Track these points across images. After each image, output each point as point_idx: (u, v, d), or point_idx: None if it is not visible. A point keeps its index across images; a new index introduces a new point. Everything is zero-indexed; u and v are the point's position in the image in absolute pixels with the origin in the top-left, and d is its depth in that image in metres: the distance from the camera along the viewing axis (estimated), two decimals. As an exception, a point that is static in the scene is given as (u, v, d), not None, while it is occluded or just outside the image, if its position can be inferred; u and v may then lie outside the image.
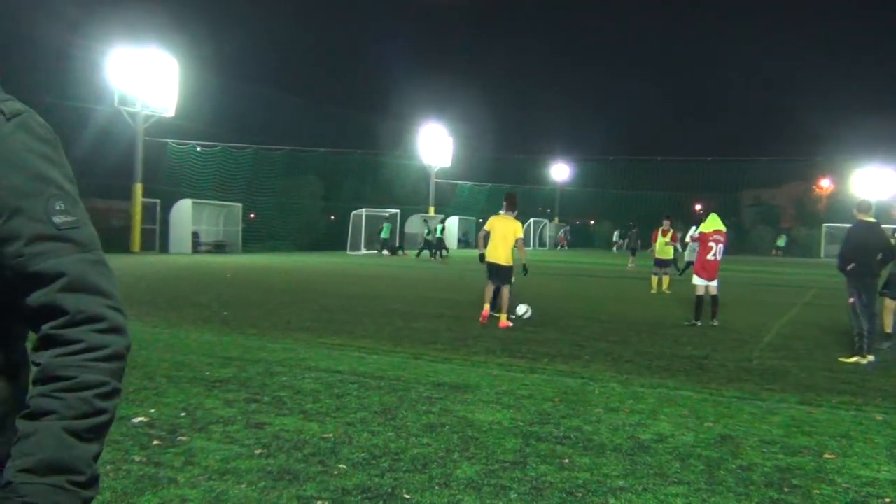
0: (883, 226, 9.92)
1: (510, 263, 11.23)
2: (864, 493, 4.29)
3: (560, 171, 63.07)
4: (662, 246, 18.07)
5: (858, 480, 4.50)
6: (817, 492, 4.27)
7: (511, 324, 10.99)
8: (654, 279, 18.14)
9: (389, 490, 4.04)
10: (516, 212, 11.53)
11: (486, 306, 11.29)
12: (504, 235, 11.18)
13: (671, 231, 18.20)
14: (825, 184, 60.65)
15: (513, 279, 11.45)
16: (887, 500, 4.19)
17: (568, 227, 63.63)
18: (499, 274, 11.23)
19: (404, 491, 4.03)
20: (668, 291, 17.77)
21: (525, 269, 11.65)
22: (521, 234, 11.23)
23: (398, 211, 41.77)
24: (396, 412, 5.74)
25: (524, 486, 4.19)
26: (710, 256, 11.70)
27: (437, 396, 6.31)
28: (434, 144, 48.28)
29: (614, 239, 56.69)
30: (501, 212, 11.62)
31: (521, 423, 5.51)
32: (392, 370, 7.43)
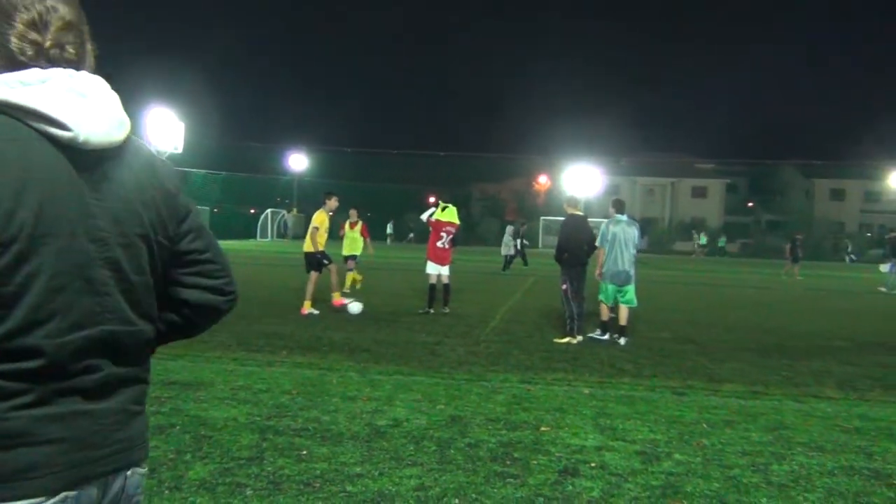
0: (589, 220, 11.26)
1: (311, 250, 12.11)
2: (575, 459, 4.77)
3: (298, 162, 62.45)
4: (352, 240, 16.06)
5: (569, 449, 5.00)
6: (535, 462, 4.67)
7: (345, 301, 11.99)
8: (348, 276, 15.78)
9: (113, 499, 3.75)
10: (329, 204, 12.37)
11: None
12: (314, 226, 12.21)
13: (359, 223, 16.06)
14: (543, 180, 66.16)
15: (325, 261, 12.15)
16: (593, 464, 4.69)
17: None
18: (311, 262, 12.14)
19: (130, 498, 3.77)
20: (358, 287, 15.77)
21: (325, 258, 12.31)
22: (317, 224, 12.09)
23: None
24: (121, 415, 5.34)
25: (261, 481, 4.12)
26: (439, 244, 12.34)
27: (168, 396, 5.98)
28: (163, 129, 45.37)
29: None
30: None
31: (258, 418, 5.40)
32: (116, 370, 6.90)
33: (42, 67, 1.37)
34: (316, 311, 11.65)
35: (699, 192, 72.55)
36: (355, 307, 11.96)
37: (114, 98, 1.46)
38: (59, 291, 1.34)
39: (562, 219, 10.75)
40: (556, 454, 4.87)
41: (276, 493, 3.94)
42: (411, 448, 4.85)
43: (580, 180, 54.53)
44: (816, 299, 19.23)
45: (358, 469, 4.39)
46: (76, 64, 1.43)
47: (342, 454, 4.66)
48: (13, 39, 1.37)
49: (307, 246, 12.20)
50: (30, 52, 1.38)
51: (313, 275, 12.05)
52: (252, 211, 56.34)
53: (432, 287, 12.38)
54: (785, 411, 6.35)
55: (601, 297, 10.14)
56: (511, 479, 4.32)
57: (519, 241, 26.84)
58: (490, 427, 5.44)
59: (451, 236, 12.45)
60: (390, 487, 4.11)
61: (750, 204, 75.07)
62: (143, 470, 1.57)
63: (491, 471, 4.46)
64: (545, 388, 6.92)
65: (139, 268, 1.48)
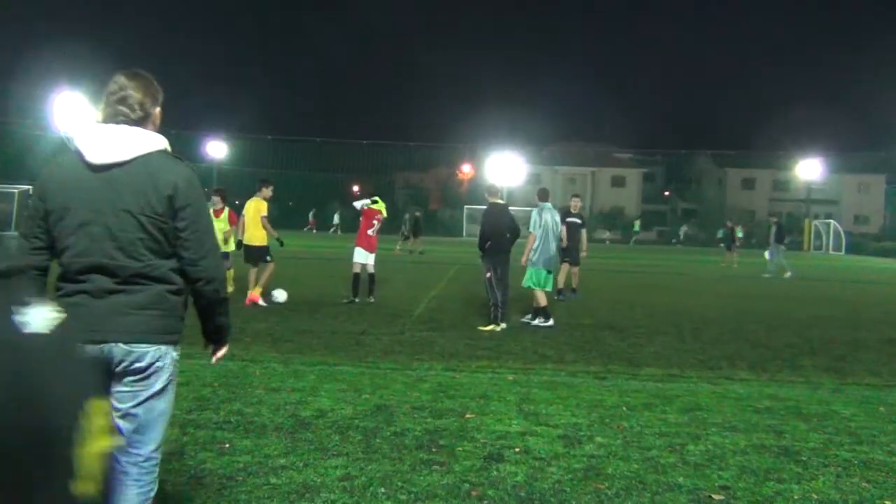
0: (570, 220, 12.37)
1: (261, 243, 11.83)
2: (499, 445, 4.83)
3: (216, 149, 60.76)
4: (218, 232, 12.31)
5: (494, 434, 5.05)
6: (461, 449, 4.71)
7: (259, 299, 11.49)
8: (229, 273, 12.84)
9: None
10: (264, 191, 12.05)
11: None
12: (252, 216, 11.84)
13: (225, 209, 12.86)
14: (466, 169, 66.51)
15: (267, 257, 11.81)
16: (517, 449, 4.76)
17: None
18: (251, 254, 11.80)
19: None
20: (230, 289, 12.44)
21: (281, 242, 12.62)
22: (264, 212, 11.80)
23: (29, 188, 37.18)
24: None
25: (182, 476, 4.03)
26: (370, 231, 12.32)
27: (82, 391, 5.76)
28: (73, 114, 43.46)
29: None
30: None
31: (178, 412, 5.25)
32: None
33: (104, 123, 2.67)
34: (263, 304, 11.43)
35: (618, 182, 74.27)
36: (280, 295, 11.79)
37: (128, 137, 2.62)
38: (70, 236, 2.62)
39: (484, 207, 10.87)
40: (482, 440, 4.92)
41: (199, 488, 3.86)
42: (336, 438, 4.82)
43: (503, 169, 55.02)
44: (730, 284, 19.95)
45: (282, 461, 4.34)
46: (127, 121, 2.67)
47: (266, 446, 4.60)
48: (99, 108, 2.72)
49: (256, 238, 11.81)
50: (100, 116, 2.71)
51: (270, 265, 11.86)
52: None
53: (356, 276, 12.30)
54: (700, 393, 6.57)
55: (531, 283, 10.30)
56: (437, 467, 4.34)
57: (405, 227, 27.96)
58: (415, 415, 5.46)
59: (380, 224, 12.53)
60: (315, 479, 4.07)
61: (666, 193, 77.31)
62: (147, 345, 2.63)
63: (417, 458, 4.47)
64: (469, 376, 6.98)
65: (124, 228, 2.60)
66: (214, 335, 2.96)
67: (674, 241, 56.19)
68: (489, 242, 10.15)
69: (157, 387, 2.69)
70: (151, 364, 2.65)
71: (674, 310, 13.14)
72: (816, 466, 4.63)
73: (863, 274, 27.88)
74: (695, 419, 5.66)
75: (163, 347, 2.67)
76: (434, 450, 4.67)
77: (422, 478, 4.15)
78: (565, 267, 14.32)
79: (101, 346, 2.56)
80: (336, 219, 56.63)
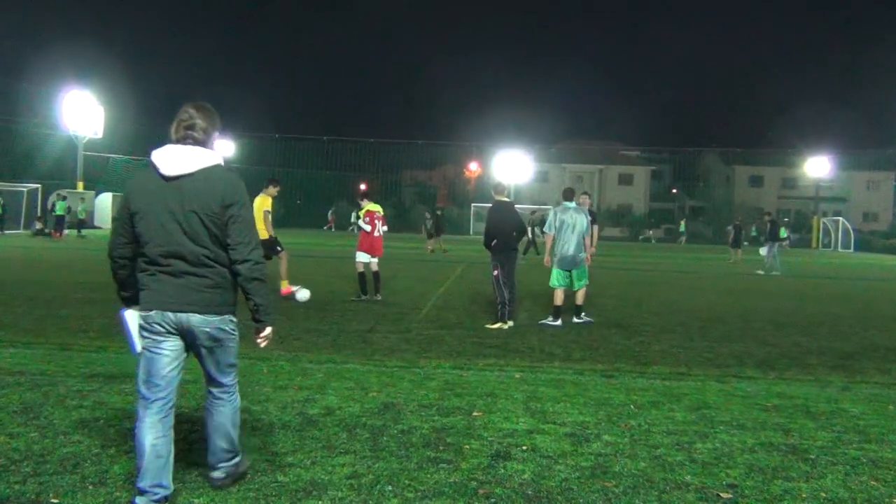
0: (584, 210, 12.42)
1: (266, 236, 11.92)
2: (506, 443, 4.83)
3: (224, 147, 60.94)
4: None
5: (501, 433, 5.05)
6: (468, 447, 4.71)
7: (290, 288, 12.12)
8: None
9: (33, 496, 3.64)
10: (270, 189, 12.27)
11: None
12: (257, 213, 11.92)
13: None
14: (473, 167, 66.51)
15: (278, 248, 12.21)
16: (524, 447, 4.76)
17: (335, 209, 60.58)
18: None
19: (51, 495, 3.65)
20: None
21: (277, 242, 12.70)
22: (268, 208, 12.11)
23: (38, 187, 37.33)
24: (41, 410, 5.17)
25: (189, 474, 4.03)
26: (376, 233, 12.34)
27: (90, 389, 5.80)
28: (81, 113, 43.61)
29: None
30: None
31: (186, 410, 5.28)
32: (34, 364, 6.68)
33: (172, 143, 3.52)
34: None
35: (626, 179, 74.12)
36: (303, 294, 11.86)
37: (193, 154, 3.48)
38: (152, 231, 3.44)
39: (489, 205, 10.88)
40: (489, 438, 4.92)
41: (206, 485, 3.87)
42: (344, 436, 4.83)
43: (510, 167, 54.96)
44: (737, 281, 19.89)
45: (290, 458, 4.35)
46: (194, 142, 3.54)
47: (273, 444, 4.61)
48: (171, 130, 3.55)
49: (262, 233, 12.04)
50: (173, 137, 3.54)
51: (284, 255, 12.40)
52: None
53: (362, 275, 12.33)
54: (708, 391, 6.56)
55: (553, 282, 10.33)
56: (444, 465, 4.34)
57: (530, 229, 26.27)
58: (423, 413, 5.46)
59: (383, 223, 12.55)
60: (323, 476, 4.08)
61: (674, 191, 77.12)
62: (211, 317, 3.54)
63: (424, 457, 4.48)
64: (477, 374, 6.98)
65: (192, 224, 3.44)
66: (255, 314, 3.69)
67: (680, 239, 56.03)
68: (495, 241, 10.14)
69: (225, 343, 3.64)
70: (218, 328, 3.58)
71: (681, 308, 13.11)
72: (825, 465, 4.61)
73: (872, 271, 27.77)
74: (702, 417, 5.65)
75: (225, 317, 3.62)
76: (441, 448, 4.67)
77: (429, 476, 4.16)
78: None
79: (179, 314, 3.50)
80: (355, 216, 56.73)
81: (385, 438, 4.81)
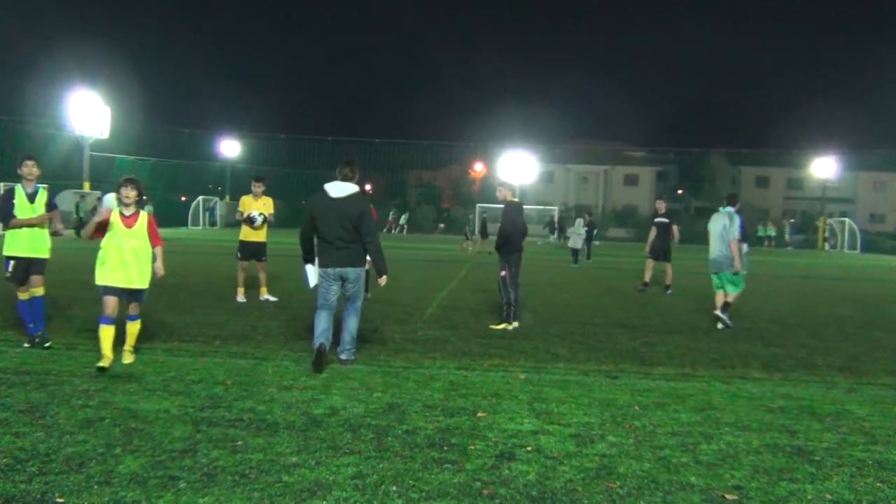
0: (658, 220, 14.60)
1: (258, 239, 12.15)
2: (511, 444, 4.83)
3: (230, 148, 60.99)
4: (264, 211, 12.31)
5: (506, 433, 5.05)
6: (472, 447, 4.71)
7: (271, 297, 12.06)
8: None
9: (39, 496, 3.65)
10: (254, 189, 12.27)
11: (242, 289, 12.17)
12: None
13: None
14: (478, 167, 66.43)
15: (263, 257, 12.18)
16: (529, 448, 4.75)
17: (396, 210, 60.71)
18: (247, 250, 12.08)
19: (57, 494, 3.66)
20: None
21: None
22: (271, 209, 12.24)
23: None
24: (46, 409, 5.18)
25: (194, 474, 4.04)
26: None
27: (96, 389, 5.82)
28: (87, 113, 43.66)
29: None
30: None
31: (191, 410, 5.30)
32: (39, 363, 6.70)
33: (337, 180, 7.33)
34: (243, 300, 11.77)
35: (631, 180, 74.00)
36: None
37: (349, 188, 7.22)
38: (324, 226, 7.16)
39: (495, 206, 10.87)
40: (493, 439, 4.91)
41: (211, 485, 3.88)
42: (348, 436, 4.83)
43: (515, 167, 54.90)
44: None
45: (294, 459, 4.35)
46: (349, 179, 7.30)
47: (278, 444, 4.61)
48: (336, 171, 7.43)
49: (253, 234, 12.12)
50: (338, 176, 7.37)
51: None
52: (183, 199, 54.88)
53: (367, 272, 12.32)
54: (713, 392, 6.54)
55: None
56: (448, 465, 4.34)
57: (584, 231, 25.40)
58: (427, 414, 5.46)
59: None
60: (327, 476, 4.09)
61: (679, 191, 76.94)
62: (354, 268, 7.22)
63: (428, 457, 4.48)
64: (482, 375, 6.98)
65: (345, 226, 7.10)
66: (378, 269, 7.28)
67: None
68: (508, 242, 10.10)
69: (360, 280, 7.29)
70: (357, 275, 7.21)
71: (686, 308, 13.09)
72: (830, 466, 4.60)
73: (878, 272, 27.66)
74: (707, 418, 5.64)
75: (360, 268, 7.25)
76: (446, 448, 4.67)
77: (433, 476, 4.16)
78: (651, 263, 16.48)
79: (338, 269, 7.13)
80: (403, 219, 57.56)
81: (389, 439, 4.81)
